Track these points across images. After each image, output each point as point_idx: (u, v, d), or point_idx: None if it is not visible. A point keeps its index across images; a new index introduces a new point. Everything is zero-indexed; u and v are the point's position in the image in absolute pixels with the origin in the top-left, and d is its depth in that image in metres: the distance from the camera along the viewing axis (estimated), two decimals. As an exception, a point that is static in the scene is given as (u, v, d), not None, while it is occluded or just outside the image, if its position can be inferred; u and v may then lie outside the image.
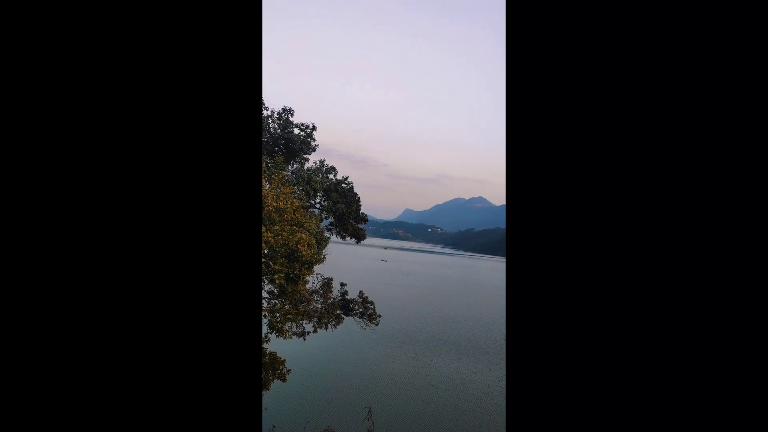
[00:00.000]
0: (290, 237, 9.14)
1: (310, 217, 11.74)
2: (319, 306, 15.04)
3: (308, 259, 9.37)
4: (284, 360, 13.01)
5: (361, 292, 16.42)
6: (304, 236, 9.31)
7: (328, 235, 15.19)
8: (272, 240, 8.98)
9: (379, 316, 16.39)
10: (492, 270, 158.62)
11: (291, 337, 13.05)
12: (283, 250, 9.22)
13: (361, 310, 16.08)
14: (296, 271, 9.27)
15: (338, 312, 15.91)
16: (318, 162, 17.90)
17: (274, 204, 9.22)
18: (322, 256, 11.80)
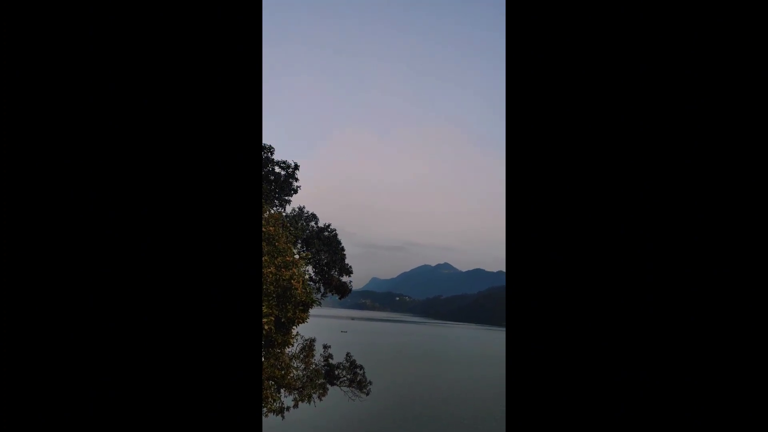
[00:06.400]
0: (282, 271, 7.18)
1: (297, 256, 9.82)
2: (301, 373, 12.56)
3: (302, 299, 7.35)
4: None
5: (348, 355, 14.08)
6: (296, 271, 7.38)
7: (311, 285, 13.17)
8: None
9: (370, 383, 13.98)
10: (461, 338, 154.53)
11: (267, 415, 10.49)
12: (272, 288, 7.20)
13: (349, 376, 13.63)
14: (289, 314, 7.22)
15: (321, 381, 13.38)
16: (297, 209, 16.24)
17: (267, 229, 7.29)
18: (317, 299, 9.73)
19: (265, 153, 14.37)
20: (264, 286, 7.37)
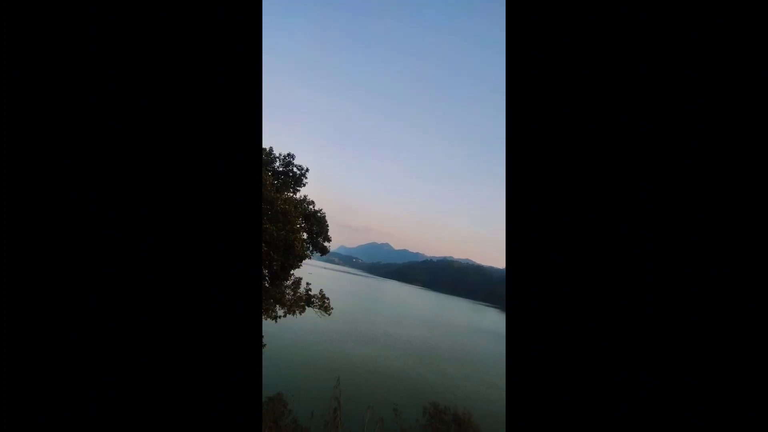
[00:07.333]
0: (289, 234, 7.45)
1: (299, 226, 10.04)
2: (290, 297, 12.63)
3: (299, 253, 7.67)
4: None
5: (321, 290, 14.28)
6: (298, 236, 7.69)
7: (305, 245, 13.24)
8: (275, 234, 7.27)
9: (332, 308, 14.26)
10: (387, 287, 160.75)
11: (266, 320, 10.54)
12: (282, 244, 7.46)
13: (319, 303, 13.85)
14: (290, 262, 7.49)
15: (302, 304, 13.47)
16: (303, 196, 16.10)
17: (284, 206, 7.57)
18: (309, 254, 9.96)
19: (288, 158, 14.18)
20: (278, 242, 7.56)
